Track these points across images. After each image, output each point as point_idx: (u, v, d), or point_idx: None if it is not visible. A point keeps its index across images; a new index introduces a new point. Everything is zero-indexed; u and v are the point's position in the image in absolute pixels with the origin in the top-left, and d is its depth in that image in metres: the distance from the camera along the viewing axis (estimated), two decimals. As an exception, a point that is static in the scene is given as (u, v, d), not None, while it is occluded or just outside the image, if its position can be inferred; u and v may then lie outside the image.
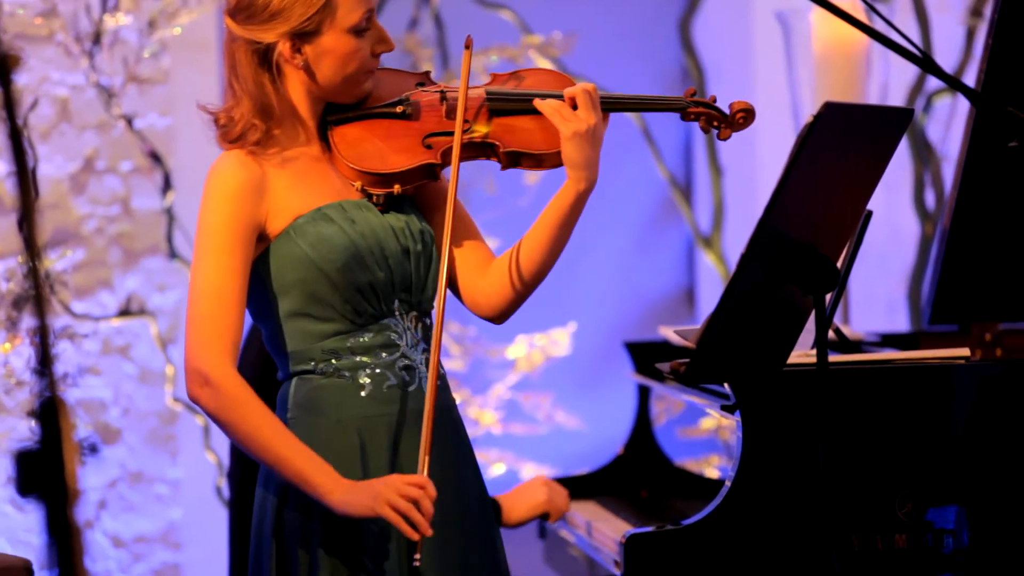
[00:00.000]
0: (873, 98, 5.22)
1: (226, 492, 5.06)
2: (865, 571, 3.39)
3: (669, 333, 3.99)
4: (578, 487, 4.13)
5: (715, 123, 3.05)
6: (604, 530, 3.76)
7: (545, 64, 5.61)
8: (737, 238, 5.95)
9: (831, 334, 3.41)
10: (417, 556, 2.76)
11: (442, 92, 3.03)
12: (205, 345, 2.83)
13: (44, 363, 1.71)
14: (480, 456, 3.24)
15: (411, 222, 2.97)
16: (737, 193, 6.05)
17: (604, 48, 6.09)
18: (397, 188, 2.95)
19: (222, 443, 5.11)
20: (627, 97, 3.06)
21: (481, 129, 3.00)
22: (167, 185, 5.25)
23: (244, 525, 3.58)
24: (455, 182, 2.89)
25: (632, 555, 3.37)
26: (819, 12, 4.96)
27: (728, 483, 3.39)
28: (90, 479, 5.24)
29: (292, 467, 2.82)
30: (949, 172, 5.76)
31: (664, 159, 6.14)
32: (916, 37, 5.69)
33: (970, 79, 5.47)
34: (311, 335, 2.91)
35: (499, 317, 3.04)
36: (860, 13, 4.68)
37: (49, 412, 1.70)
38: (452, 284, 3.05)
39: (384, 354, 2.93)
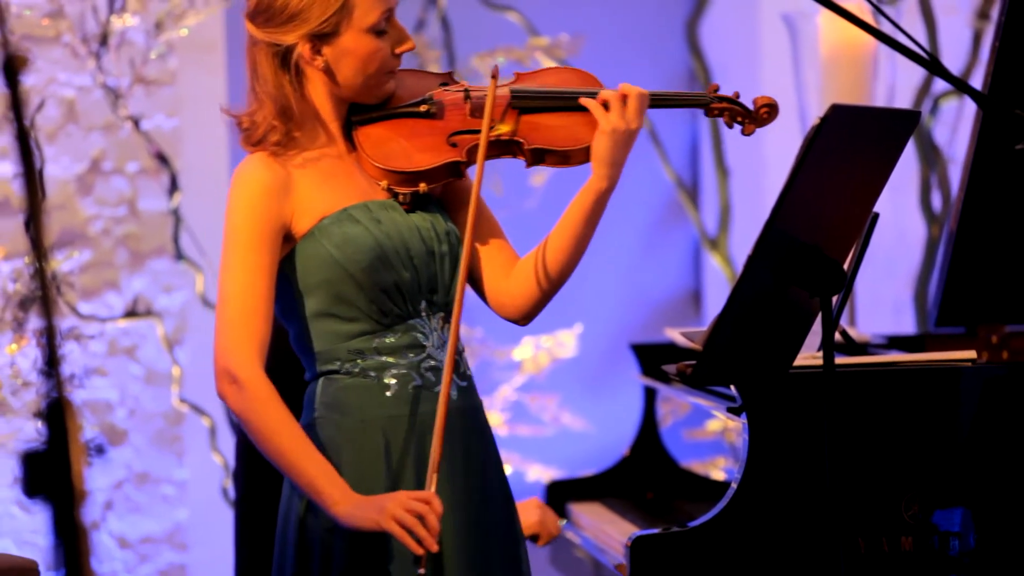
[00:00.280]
0: (880, 100, 5.21)
1: (232, 493, 5.05)
2: (871, 574, 3.39)
3: (675, 335, 3.99)
4: (584, 489, 4.13)
5: (739, 118, 3.06)
6: (610, 532, 3.76)
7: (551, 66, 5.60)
8: (744, 240, 5.94)
9: (837, 336, 3.41)
10: (422, 571, 2.76)
11: (466, 91, 3.04)
12: (234, 344, 2.84)
13: (51, 364, 1.72)
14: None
15: (436, 223, 2.98)
16: (744, 195, 6.05)
17: (611, 50, 6.08)
18: (423, 186, 2.96)
19: (228, 444, 5.11)
20: (654, 93, 3.04)
21: (506, 127, 3.01)
22: (174, 186, 5.25)
23: (250, 526, 3.59)
24: (479, 182, 2.90)
25: (638, 557, 3.37)
26: (826, 14, 4.96)
27: (734, 485, 3.39)
28: (96, 480, 5.23)
29: (305, 474, 2.82)
30: (956, 174, 5.75)
31: (671, 160, 6.13)
32: (923, 39, 5.68)
33: (977, 81, 5.47)
34: (337, 335, 2.92)
35: (525, 318, 3.05)
36: (867, 15, 4.67)
37: (56, 413, 1.71)
38: (477, 285, 3.05)
39: (410, 355, 2.93)
